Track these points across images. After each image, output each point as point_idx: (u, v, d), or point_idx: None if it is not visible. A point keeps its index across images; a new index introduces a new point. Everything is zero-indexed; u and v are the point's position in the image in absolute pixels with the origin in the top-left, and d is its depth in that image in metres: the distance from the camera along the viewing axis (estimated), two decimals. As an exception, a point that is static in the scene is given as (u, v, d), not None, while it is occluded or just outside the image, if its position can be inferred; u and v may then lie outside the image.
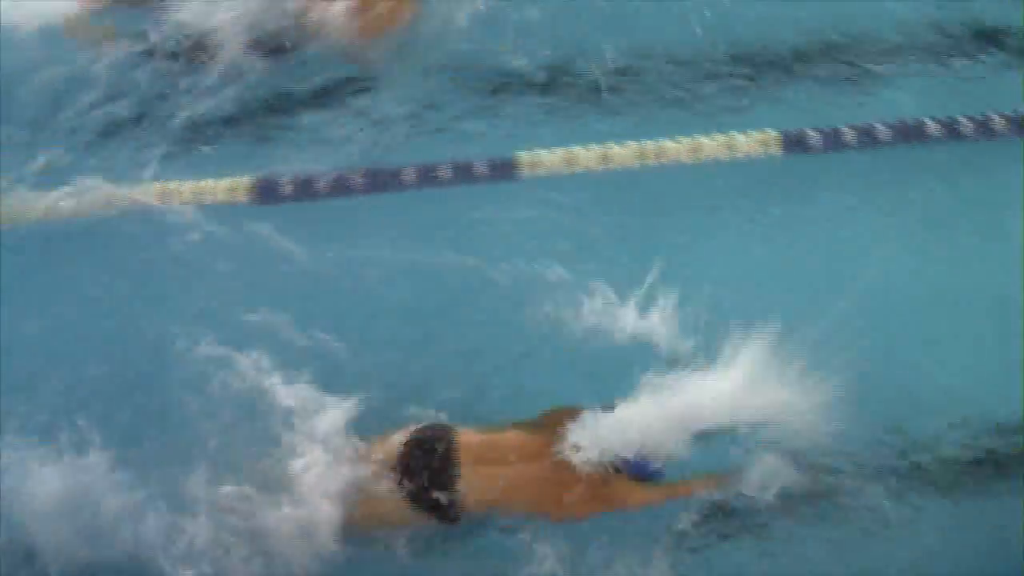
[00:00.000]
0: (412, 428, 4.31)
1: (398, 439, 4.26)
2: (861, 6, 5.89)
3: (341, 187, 5.20)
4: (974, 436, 4.72)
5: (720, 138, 5.37)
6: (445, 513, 4.18)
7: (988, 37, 5.94)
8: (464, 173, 5.24)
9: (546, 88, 5.56)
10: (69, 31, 5.56)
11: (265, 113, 5.50)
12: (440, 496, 4.16)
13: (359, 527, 4.23)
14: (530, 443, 4.25)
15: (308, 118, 5.46)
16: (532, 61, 5.57)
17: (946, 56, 5.87)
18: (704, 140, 5.36)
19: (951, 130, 5.51)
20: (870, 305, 4.61)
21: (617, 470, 4.17)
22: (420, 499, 4.16)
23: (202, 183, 5.22)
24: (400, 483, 4.17)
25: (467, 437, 4.27)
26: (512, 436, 4.29)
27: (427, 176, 5.23)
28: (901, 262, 5.05)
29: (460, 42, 5.62)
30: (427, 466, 4.17)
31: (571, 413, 4.24)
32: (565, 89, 5.54)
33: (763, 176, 5.34)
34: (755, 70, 5.64)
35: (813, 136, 5.41)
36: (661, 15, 5.83)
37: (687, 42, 5.72)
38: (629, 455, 4.14)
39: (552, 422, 4.25)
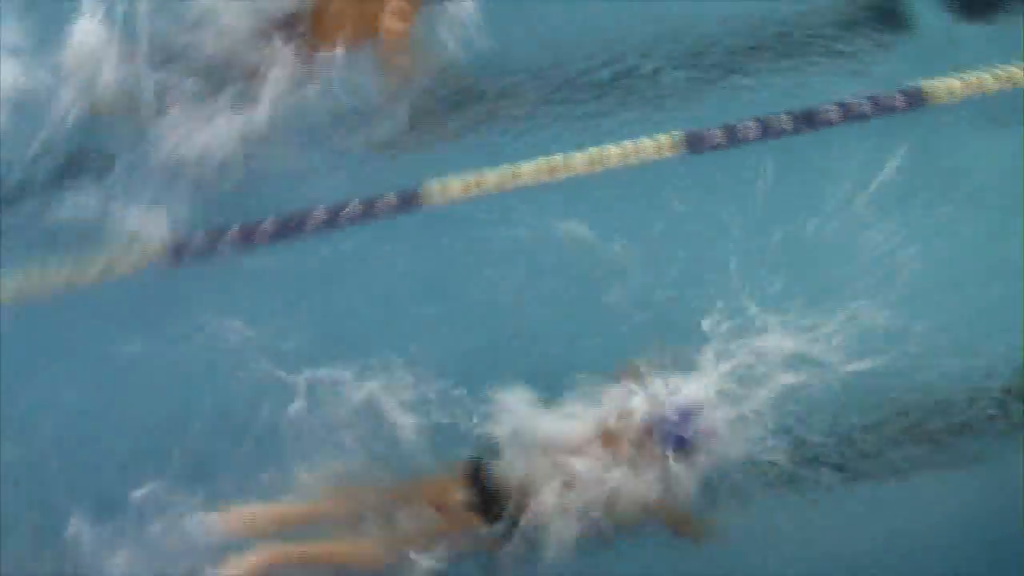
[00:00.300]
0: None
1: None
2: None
3: (248, 237, 5.16)
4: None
5: (626, 145, 5.39)
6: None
7: (879, 15, 6.03)
8: (372, 209, 5.21)
9: (451, 112, 5.55)
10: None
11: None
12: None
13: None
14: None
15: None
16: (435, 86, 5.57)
17: (838, 39, 5.95)
18: (610, 148, 5.38)
19: (850, 111, 5.58)
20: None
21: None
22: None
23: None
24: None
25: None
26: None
27: (336, 216, 5.20)
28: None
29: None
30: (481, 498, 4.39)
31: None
32: (470, 112, 5.53)
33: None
34: (654, 74, 5.66)
35: (716, 133, 5.45)
36: (556, 27, 5.84)
37: (584, 53, 5.74)
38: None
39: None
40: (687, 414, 4.36)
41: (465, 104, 5.60)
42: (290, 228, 5.20)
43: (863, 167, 5.36)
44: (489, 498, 4.39)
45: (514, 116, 5.50)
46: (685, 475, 4.38)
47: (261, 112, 5.33)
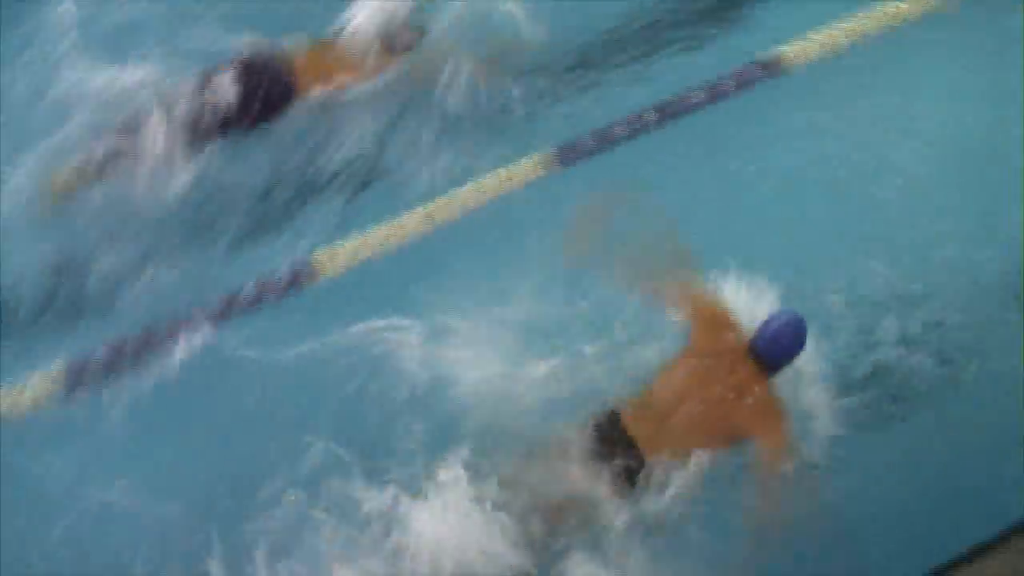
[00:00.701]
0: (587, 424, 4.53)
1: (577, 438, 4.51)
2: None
3: (149, 346, 5.09)
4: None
5: (501, 172, 5.40)
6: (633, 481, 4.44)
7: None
8: (266, 289, 5.16)
9: (322, 184, 5.53)
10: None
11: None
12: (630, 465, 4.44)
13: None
14: (683, 384, 4.52)
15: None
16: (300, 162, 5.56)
17: (685, 23, 6.04)
18: (485, 180, 5.38)
19: (715, 92, 5.65)
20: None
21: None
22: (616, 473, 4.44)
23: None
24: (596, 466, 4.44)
25: (632, 409, 4.51)
26: (665, 386, 4.53)
27: (230, 305, 5.15)
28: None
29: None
30: (613, 451, 4.44)
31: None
32: (337, 178, 5.51)
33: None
34: (506, 99, 5.66)
35: (586, 142, 5.48)
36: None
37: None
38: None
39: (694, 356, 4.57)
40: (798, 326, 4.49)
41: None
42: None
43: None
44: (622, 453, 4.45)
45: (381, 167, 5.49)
46: None
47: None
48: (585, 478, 4.45)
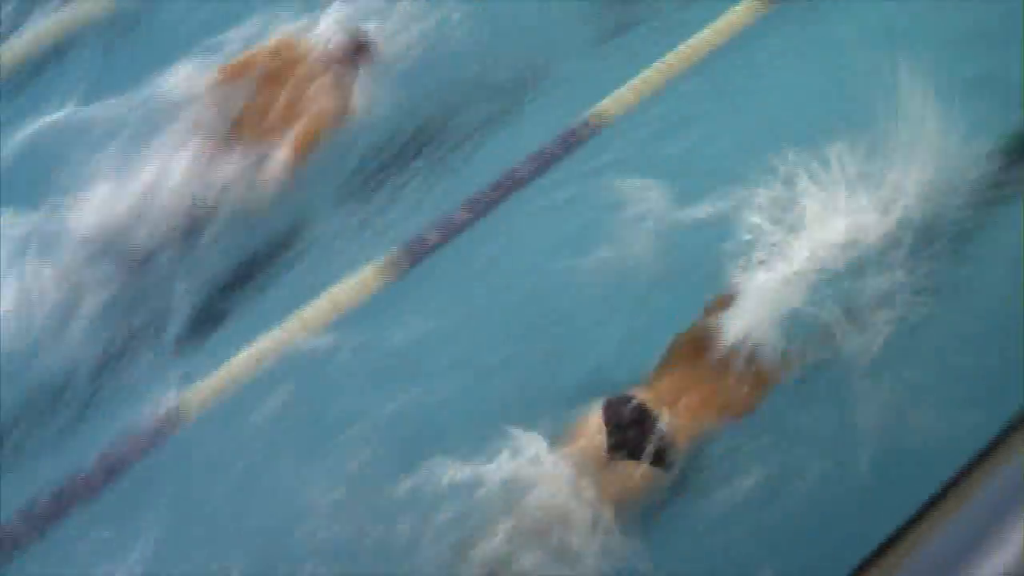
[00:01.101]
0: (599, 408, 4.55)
1: (594, 423, 4.51)
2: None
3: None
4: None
5: (352, 281, 5.37)
6: (663, 460, 4.47)
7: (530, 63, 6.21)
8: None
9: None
10: None
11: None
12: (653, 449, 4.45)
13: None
14: (692, 363, 4.64)
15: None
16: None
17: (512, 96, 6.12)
18: (337, 292, 5.35)
19: (542, 162, 5.75)
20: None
21: None
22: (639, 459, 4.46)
23: None
24: (615, 457, 4.46)
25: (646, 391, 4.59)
26: (676, 368, 4.66)
27: (110, 470, 4.96)
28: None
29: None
30: (628, 433, 4.46)
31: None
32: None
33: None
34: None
35: (432, 234, 5.51)
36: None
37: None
38: None
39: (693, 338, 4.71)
40: None
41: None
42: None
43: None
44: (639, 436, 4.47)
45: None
46: None
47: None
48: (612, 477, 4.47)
